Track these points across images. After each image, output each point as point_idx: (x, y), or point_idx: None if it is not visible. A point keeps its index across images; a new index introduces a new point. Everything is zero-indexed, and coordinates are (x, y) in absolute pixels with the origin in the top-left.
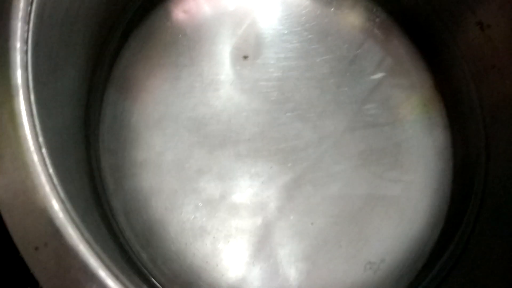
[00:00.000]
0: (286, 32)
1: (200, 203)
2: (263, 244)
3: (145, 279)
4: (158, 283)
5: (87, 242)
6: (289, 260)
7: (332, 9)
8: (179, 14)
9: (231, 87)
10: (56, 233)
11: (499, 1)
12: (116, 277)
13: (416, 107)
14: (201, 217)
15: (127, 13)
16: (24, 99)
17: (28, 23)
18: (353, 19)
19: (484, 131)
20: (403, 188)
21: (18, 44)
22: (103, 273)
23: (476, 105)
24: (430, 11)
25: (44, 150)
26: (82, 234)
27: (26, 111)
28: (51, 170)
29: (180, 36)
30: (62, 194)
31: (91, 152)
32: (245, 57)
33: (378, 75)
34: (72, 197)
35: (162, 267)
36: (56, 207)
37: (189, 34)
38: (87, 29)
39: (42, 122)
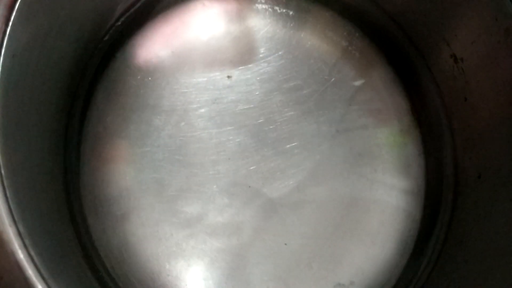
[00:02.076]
0: (269, 53)
1: (177, 221)
2: (236, 263)
3: None
4: None
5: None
6: (262, 279)
7: (316, 32)
8: (158, 38)
9: (213, 106)
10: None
11: (472, 37)
12: None
13: (392, 134)
14: (177, 235)
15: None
16: None
17: None
18: (335, 43)
19: (454, 161)
20: (376, 213)
21: None
22: None
23: (448, 135)
24: (407, 39)
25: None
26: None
27: None
28: (13, 205)
29: (164, 56)
30: (20, 220)
31: (68, 171)
32: (229, 77)
33: (357, 100)
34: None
35: (136, 284)
36: (14, 242)
37: (174, 53)
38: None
39: None
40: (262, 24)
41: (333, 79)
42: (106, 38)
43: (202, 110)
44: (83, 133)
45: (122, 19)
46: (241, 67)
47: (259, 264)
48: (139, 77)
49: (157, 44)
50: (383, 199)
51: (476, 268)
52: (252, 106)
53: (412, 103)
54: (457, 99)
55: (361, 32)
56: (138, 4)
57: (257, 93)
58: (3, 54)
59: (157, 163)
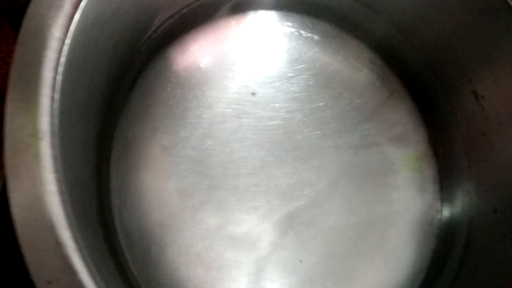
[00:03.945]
0: (293, 75)
1: (197, 231)
2: (253, 277)
3: None
4: None
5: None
6: None
7: (339, 58)
8: (189, 52)
9: (237, 121)
10: (68, 269)
11: (495, 76)
12: None
13: (408, 161)
14: (197, 245)
15: (140, 55)
16: (50, 144)
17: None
18: (357, 69)
19: (470, 194)
20: (391, 237)
21: (47, 92)
22: None
23: (464, 167)
24: (430, 72)
25: (62, 182)
26: (90, 270)
27: (52, 155)
28: (69, 209)
29: (193, 70)
30: (74, 224)
31: (102, 176)
32: (253, 94)
33: (376, 125)
34: (81, 226)
35: None
36: (70, 245)
37: (203, 68)
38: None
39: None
40: (288, 47)
41: (353, 104)
42: (142, 49)
43: (226, 125)
44: (114, 139)
45: (157, 32)
46: (265, 86)
47: (275, 279)
48: (168, 89)
49: (188, 59)
50: (397, 224)
51: None
52: (274, 123)
53: (430, 133)
54: (475, 133)
55: (383, 61)
56: (174, 19)
57: (280, 111)
58: (70, 44)
59: (181, 173)
